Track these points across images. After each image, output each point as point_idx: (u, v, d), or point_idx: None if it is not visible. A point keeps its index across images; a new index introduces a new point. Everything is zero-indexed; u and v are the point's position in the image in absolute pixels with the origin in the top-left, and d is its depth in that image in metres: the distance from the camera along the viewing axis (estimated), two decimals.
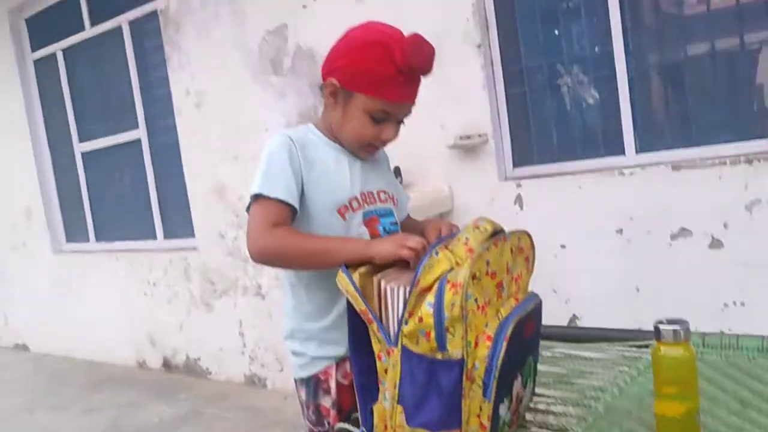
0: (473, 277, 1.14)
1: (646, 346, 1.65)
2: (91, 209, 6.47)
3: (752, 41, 3.01)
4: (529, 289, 1.37)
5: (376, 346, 1.25)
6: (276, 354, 4.80)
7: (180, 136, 5.20)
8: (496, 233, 1.28)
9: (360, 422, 1.33)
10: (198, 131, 5.04)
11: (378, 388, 1.27)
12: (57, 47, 6.34)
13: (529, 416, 1.39)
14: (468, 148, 3.59)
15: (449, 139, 3.62)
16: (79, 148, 6.38)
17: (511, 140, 3.62)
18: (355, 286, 1.28)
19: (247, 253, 1.58)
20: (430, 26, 3.39)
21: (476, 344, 1.17)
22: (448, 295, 1.13)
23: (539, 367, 1.51)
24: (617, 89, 3.26)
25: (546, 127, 3.59)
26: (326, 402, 1.68)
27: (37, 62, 6.64)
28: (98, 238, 6.44)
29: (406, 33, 1.60)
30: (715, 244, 2.95)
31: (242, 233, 4.75)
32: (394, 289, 1.24)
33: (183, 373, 5.61)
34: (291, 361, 1.75)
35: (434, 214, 3.55)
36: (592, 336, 1.83)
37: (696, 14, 3.21)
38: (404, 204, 1.94)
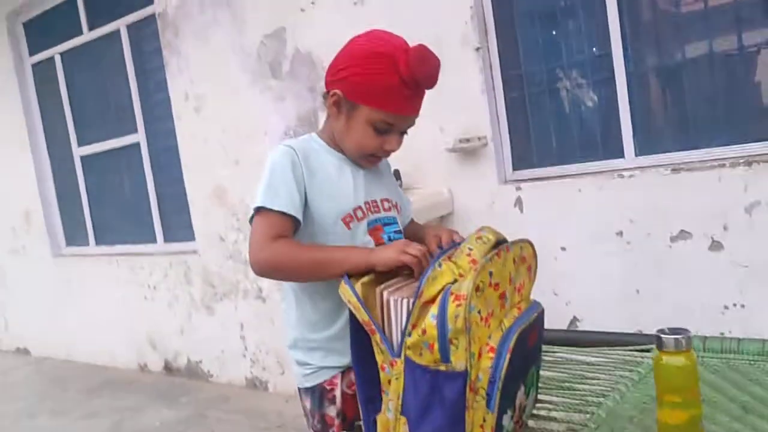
0: (477, 288, 1.15)
1: (647, 350, 1.66)
2: (91, 213, 6.47)
3: (751, 44, 3.01)
4: (531, 295, 1.38)
5: (379, 357, 1.26)
6: (277, 357, 4.80)
7: (179, 139, 5.20)
8: (499, 243, 1.29)
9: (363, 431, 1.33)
10: (197, 135, 5.04)
11: (381, 399, 1.27)
12: (55, 51, 6.34)
13: (531, 423, 1.39)
14: (467, 151, 3.60)
15: (449, 143, 3.63)
16: (78, 152, 6.39)
17: (511, 143, 3.62)
18: (357, 297, 1.28)
19: (248, 256, 1.59)
20: (428, 30, 3.41)
21: (480, 356, 1.17)
22: (451, 307, 1.13)
23: (541, 372, 1.52)
24: (616, 92, 3.27)
25: (545, 130, 3.59)
26: (331, 411, 1.68)
27: (35, 66, 6.64)
28: (98, 242, 6.45)
29: (406, 37, 1.60)
30: (715, 246, 2.96)
31: (243, 236, 4.76)
32: (397, 301, 1.25)
33: (184, 376, 5.61)
34: (295, 371, 1.75)
35: (434, 218, 3.55)
36: (593, 340, 1.84)
37: (694, 17, 3.20)
38: (407, 209, 1.94)
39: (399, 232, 1.75)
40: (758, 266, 2.87)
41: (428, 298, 1.18)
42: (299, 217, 1.57)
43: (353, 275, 1.36)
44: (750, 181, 2.85)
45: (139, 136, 5.71)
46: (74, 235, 6.71)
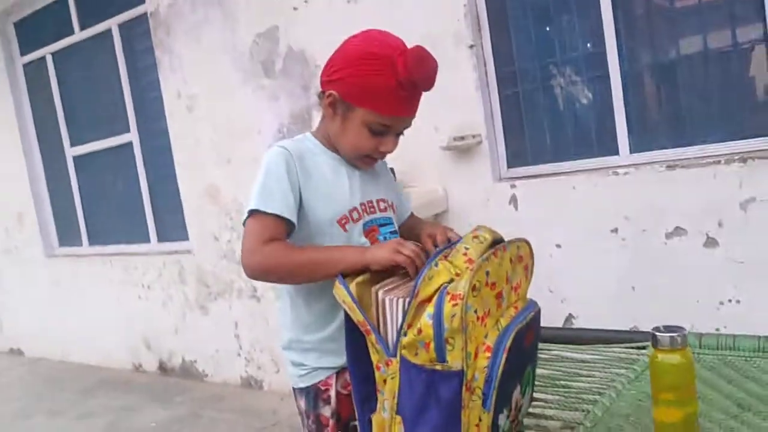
0: (473, 288, 1.14)
1: (643, 348, 1.65)
2: (84, 213, 6.46)
3: (745, 40, 3.01)
4: (527, 294, 1.37)
5: (374, 357, 1.25)
6: (272, 355, 4.80)
7: (172, 139, 5.20)
8: (496, 243, 1.28)
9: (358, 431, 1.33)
10: (190, 134, 5.03)
11: (377, 398, 1.26)
12: (46, 51, 6.32)
13: (527, 421, 1.39)
14: (462, 149, 3.59)
15: (443, 141, 3.62)
16: (71, 152, 6.38)
17: (505, 141, 3.62)
18: (352, 297, 1.28)
19: (240, 256, 1.58)
20: (422, 27, 3.41)
21: (476, 355, 1.16)
22: (447, 307, 1.12)
23: (537, 370, 1.51)
24: (610, 89, 3.27)
25: (540, 127, 3.59)
26: (326, 412, 1.67)
27: (26, 66, 6.62)
28: (91, 242, 6.44)
29: (399, 35, 1.59)
30: (710, 242, 2.96)
31: (236, 235, 4.75)
32: (392, 300, 1.24)
33: (179, 376, 5.60)
34: (289, 371, 1.74)
35: (429, 216, 3.55)
36: (588, 337, 1.83)
37: (688, 13, 3.20)
38: (405, 205, 1.93)
39: (395, 232, 1.74)
40: (753, 262, 2.87)
41: (424, 298, 1.17)
42: (293, 219, 1.56)
43: (348, 275, 1.35)
44: (745, 178, 2.85)
45: (132, 136, 5.69)
46: (67, 235, 6.70)
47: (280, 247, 1.53)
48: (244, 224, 1.58)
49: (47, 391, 5.91)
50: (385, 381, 1.24)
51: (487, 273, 1.18)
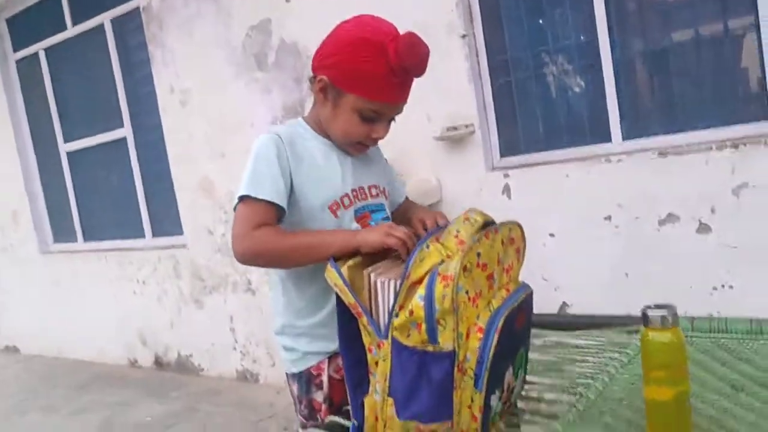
0: (464, 269, 1.13)
1: (636, 332, 1.65)
2: (78, 209, 6.44)
3: (736, 26, 3.02)
4: (520, 279, 1.37)
5: (366, 339, 1.25)
6: (267, 349, 4.80)
7: (166, 133, 5.19)
8: (487, 225, 1.28)
9: (351, 415, 1.33)
10: (183, 129, 5.02)
11: (369, 382, 1.26)
12: (39, 47, 6.29)
13: (520, 404, 1.40)
14: (455, 139, 3.59)
15: (436, 131, 3.62)
16: (65, 148, 6.35)
17: (498, 130, 3.62)
18: (343, 280, 1.27)
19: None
20: (414, 17, 3.40)
21: (467, 336, 1.16)
22: (439, 288, 1.12)
23: (531, 355, 1.51)
24: (603, 77, 3.27)
25: (532, 116, 3.59)
26: (318, 397, 1.67)
27: (19, 62, 6.59)
28: (86, 238, 6.42)
29: (395, 25, 1.57)
30: (703, 228, 2.97)
31: (231, 230, 4.74)
32: (384, 282, 1.24)
33: (175, 370, 5.60)
34: (282, 356, 1.74)
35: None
36: (582, 323, 1.83)
37: (680, 1, 3.21)
38: (400, 190, 1.93)
39: (387, 218, 1.74)
40: (746, 247, 2.88)
41: (415, 279, 1.17)
42: (284, 205, 1.55)
43: (339, 258, 1.35)
44: (737, 163, 2.86)
45: (126, 131, 5.68)
46: (62, 231, 6.68)
47: (270, 232, 1.53)
48: (234, 210, 1.58)
49: (42, 387, 5.90)
50: (377, 363, 1.24)
51: (479, 254, 1.18)
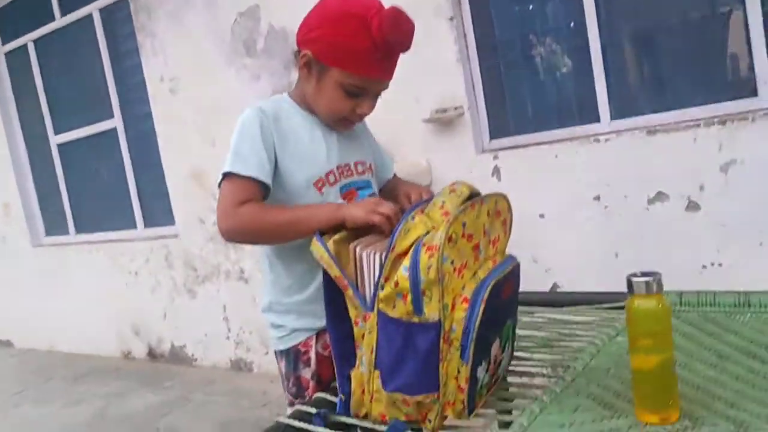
0: (449, 239, 1.13)
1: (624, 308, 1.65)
2: (70, 201, 6.41)
3: (723, 2, 3.01)
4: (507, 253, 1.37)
5: (352, 312, 1.25)
6: (261, 337, 4.80)
7: (156, 123, 5.17)
8: (473, 196, 1.27)
9: (338, 390, 1.33)
10: (174, 117, 5.00)
11: (356, 355, 1.26)
12: (28, 38, 6.24)
13: (510, 378, 1.40)
14: (444, 121, 3.59)
15: (425, 113, 3.61)
16: (55, 140, 6.32)
17: (487, 112, 3.60)
18: (329, 253, 1.27)
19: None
20: (401, 0, 3.38)
21: (453, 307, 1.16)
22: (424, 258, 1.12)
23: (520, 332, 1.52)
24: (590, 57, 3.26)
25: (521, 98, 3.59)
26: (306, 374, 1.67)
27: (8, 55, 6.54)
28: (78, 230, 6.39)
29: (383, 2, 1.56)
30: (692, 206, 2.97)
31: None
32: (369, 255, 1.24)
33: (168, 361, 5.60)
34: (270, 334, 1.74)
35: None
36: (572, 300, 1.83)
37: None
38: (387, 166, 1.92)
39: (374, 195, 1.72)
40: (734, 225, 2.89)
41: (401, 251, 1.17)
42: (268, 182, 1.54)
43: (326, 233, 1.34)
44: (724, 140, 2.86)
45: (116, 121, 5.65)
46: (54, 224, 6.65)
47: (255, 208, 1.52)
48: (219, 187, 1.57)
49: (36, 380, 5.88)
50: (363, 336, 1.24)
51: (464, 224, 1.18)
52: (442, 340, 1.15)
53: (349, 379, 1.27)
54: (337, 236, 1.33)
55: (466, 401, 1.18)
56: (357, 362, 1.26)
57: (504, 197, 1.33)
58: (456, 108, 3.54)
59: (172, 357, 5.57)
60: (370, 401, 1.25)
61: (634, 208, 3.11)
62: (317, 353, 1.66)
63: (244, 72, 4.48)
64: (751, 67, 2.91)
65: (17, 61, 6.46)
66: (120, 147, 5.66)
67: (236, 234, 1.55)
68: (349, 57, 1.53)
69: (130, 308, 5.81)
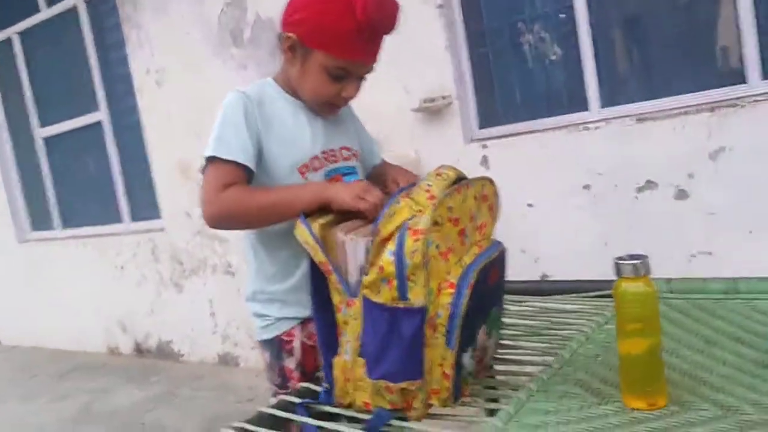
0: (435, 223, 1.12)
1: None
2: (56, 196, 6.37)
3: None
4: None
5: (336, 298, 1.23)
6: (248, 332, 4.76)
7: (142, 115, 5.13)
8: (459, 180, 1.25)
9: (323, 380, 1.30)
10: (160, 109, 4.96)
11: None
12: (12, 31, 6.20)
13: (496, 367, 1.38)
14: (432, 111, 3.56)
15: (414, 103, 3.59)
16: (40, 133, 6.28)
17: (476, 101, 3.59)
18: (314, 237, 1.25)
19: (214, 230, 1.54)
20: None
21: (439, 292, 1.15)
22: (409, 242, 1.10)
23: (508, 320, 1.50)
24: (579, 45, 3.25)
25: (510, 86, 3.58)
26: (290, 364, 1.65)
27: None
28: (64, 225, 6.36)
29: None
30: (681, 194, 2.96)
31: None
32: (354, 240, 1.22)
33: (155, 357, 5.57)
34: (254, 323, 1.71)
35: None
36: (561, 288, 1.82)
37: None
38: (374, 152, 1.90)
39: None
40: (723, 213, 2.88)
41: (386, 236, 1.15)
42: (252, 166, 1.52)
43: (311, 216, 1.32)
44: (713, 127, 2.85)
45: (102, 114, 5.61)
46: (40, 219, 6.61)
47: (238, 192, 1.49)
48: (202, 173, 1.54)
49: (22, 377, 5.86)
50: (346, 322, 1.22)
51: (450, 208, 1.16)
52: (426, 326, 1.13)
53: (332, 366, 1.25)
54: (322, 219, 1.30)
55: (451, 389, 1.17)
56: (340, 349, 1.23)
57: (490, 181, 1.30)
58: (444, 97, 3.51)
59: (158, 352, 5.54)
60: (354, 390, 1.22)
61: (623, 196, 3.10)
62: (302, 343, 1.63)
63: (231, 62, 4.45)
64: (741, 54, 2.90)
65: (2, 53, 6.41)
66: (106, 140, 5.63)
67: (221, 219, 1.52)
68: (333, 39, 1.51)
69: (116, 303, 5.78)
